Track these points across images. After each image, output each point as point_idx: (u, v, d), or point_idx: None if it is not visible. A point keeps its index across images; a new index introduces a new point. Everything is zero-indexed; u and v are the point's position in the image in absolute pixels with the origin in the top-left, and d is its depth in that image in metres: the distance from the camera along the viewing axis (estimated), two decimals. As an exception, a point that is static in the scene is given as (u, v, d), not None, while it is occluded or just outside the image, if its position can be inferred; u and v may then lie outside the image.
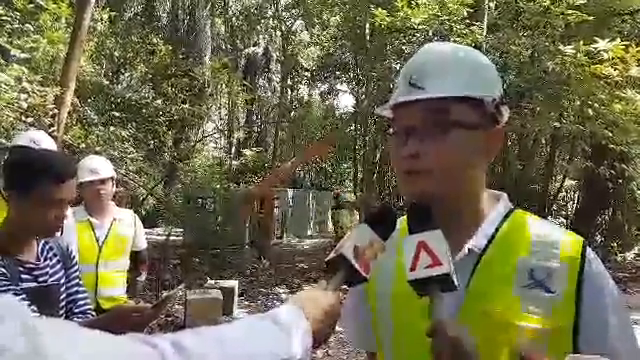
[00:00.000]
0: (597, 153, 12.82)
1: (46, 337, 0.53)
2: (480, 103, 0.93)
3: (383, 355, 1.07)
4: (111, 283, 3.20)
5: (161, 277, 8.00)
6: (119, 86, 13.07)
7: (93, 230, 3.17)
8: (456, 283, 0.84)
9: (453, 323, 0.84)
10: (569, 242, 0.94)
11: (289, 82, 22.68)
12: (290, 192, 17.61)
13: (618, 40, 7.43)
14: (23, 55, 7.44)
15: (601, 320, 0.89)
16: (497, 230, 0.96)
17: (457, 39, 8.40)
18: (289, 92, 23.49)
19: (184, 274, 8.78)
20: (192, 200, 13.68)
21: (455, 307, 0.91)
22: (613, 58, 7.52)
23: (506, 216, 0.99)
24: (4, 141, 6.17)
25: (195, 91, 14.84)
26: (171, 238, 10.42)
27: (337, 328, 0.88)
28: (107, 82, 11.44)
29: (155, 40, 15.09)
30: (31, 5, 7.73)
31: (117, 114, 11.41)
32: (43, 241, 1.71)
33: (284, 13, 19.66)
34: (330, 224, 17.56)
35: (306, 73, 22.77)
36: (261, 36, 22.49)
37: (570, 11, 8.04)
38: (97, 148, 8.00)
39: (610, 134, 8.77)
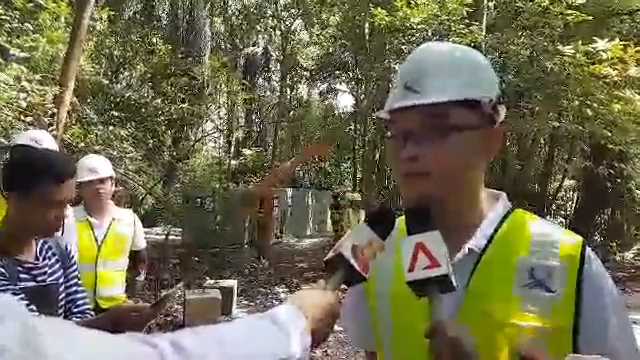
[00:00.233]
0: (596, 153, 12.84)
1: (46, 337, 0.53)
2: (478, 104, 0.92)
3: (383, 355, 1.07)
4: (110, 283, 3.20)
5: (160, 277, 7.99)
6: (118, 85, 13.07)
7: (92, 230, 3.17)
8: (454, 284, 0.84)
9: (453, 323, 0.84)
10: (569, 242, 0.94)
11: (288, 82, 22.68)
12: (289, 192, 17.60)
13: (617, 40, 7.45)
14: (22, 54, 7.44)
15: (601, 320, 0.89)
16: (497, 230, 0.96)
17: (456, 39, 8.41)
18: (288, 92, 23.49)
19: (183, 274, 8.78)
20: (191, 199, 13.67)
21: (455, 307, 0.91)
22: (612, 58, 7.53)
23: (505, 216, 0.99)
24: (3, 140, 6.16)
25: (194, 90, 14.84)
26: (170, 237, 10.41)
27: (336, 327, 0.88)
28: (106, 81, 11.43)
29: (154, 39, 15.10)
30: (30, 4, 7.72)
31: (116, 113, 11.41)
32: (42, 241, 1.71)
33: (283, 13, 19.66)
34: (329, 224, 17.55)
35: (305, 73, 22.77)
36: (260, 36, 22.47)
37: (569, 11, 8.05)
38: (96, 147, 7.98)
39: (609, 134, 8.79)
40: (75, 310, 1.76)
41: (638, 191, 14.46)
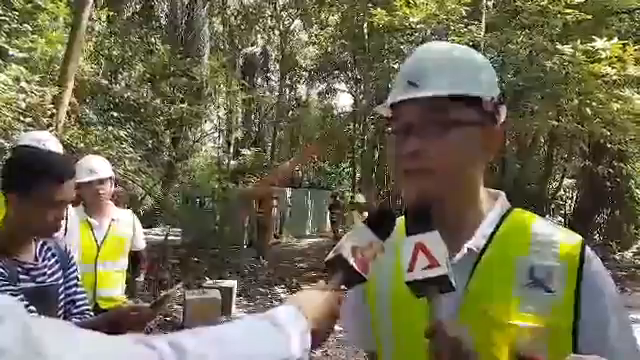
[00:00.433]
0: (595, 152, 12.87)
1: (46, 337, 0.53)
2: (479, 102, 0.93)
3: (383, 355, 1.07)
4: (110, 283, 3.20)
5: (159, 277, 7.99)
6: (117, 86, 13.03)
7: (92, 230, 3.17)
8: (454, 284, 0.84)
9: (452, 323, 0.84)
10: (568, 241, 0.94)
11: (287, 82, 22.67)
12: (289, 192, 17.60)
13: (616, 39, 7.46)
14: (21, 55, 7.43)
15: (600, 320, 0.89)
16: (496, 229, 0.96)
17: (455, 38, 8.42)
18: (287, 92, 23.48)
19: (182, 274, 8.77)
20: (190, 200, 13.68)
21: (455, 307, 0.91)
22: (611, 57, 7.54)
23: (505, 215, 0.99)
24: (2, 141, 6.16)
25: (193, 91, 14.83)
26: (169, 238, 10.40)
27: (336, 328, 0.88)
28: (105, 82, 11.40)
29: (153, 40, 15.08)
30: (29, 5, 7.72)
31: (115, 114, 11.39)
32: (41, 241, 1.71)
33: (282, 13, 19.66)
34: (329, 224, 17.54)
35: (304, 73, 22.76)
36: (259, 36, 22.46)
37: (568, 10, 8.06)
38: (95, 148, 7.97)
39: (608, 133, 8.80)
40: (75, 311, 1.76)
41: (637, 190, 14.48)
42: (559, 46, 7.99)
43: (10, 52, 7.26)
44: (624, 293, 7.86)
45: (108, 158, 4.22)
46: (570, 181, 16.67)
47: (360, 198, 12.53)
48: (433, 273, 0.83)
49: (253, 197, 12.83)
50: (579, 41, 7.65)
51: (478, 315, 0.90)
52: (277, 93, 21.87)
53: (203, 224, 11.27)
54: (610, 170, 12.81)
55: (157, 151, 14.34)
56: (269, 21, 20.78)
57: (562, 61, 8.23)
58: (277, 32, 20.43)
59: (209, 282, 7.62)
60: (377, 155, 18.61)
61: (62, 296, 1.71)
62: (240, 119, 22.71)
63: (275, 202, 14.42)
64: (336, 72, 21.32)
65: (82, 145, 7.77)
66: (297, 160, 17.15)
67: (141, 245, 3.56)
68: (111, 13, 11.25)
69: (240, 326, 0.78)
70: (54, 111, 6.70)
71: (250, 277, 9.54)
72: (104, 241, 3.19)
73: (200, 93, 15.82)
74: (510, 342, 0.88)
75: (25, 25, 7.68)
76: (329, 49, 19.30)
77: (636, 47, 7.42)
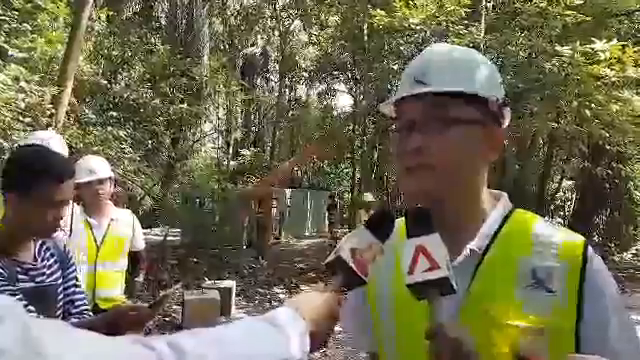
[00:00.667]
0: (594, 153, 12.87)
1: (46, 338, 0.53)
2: (482, 101, 0.94)
3: (385, 356, 1.07)
4: (109, 283, 3.20)
5: (159, 277, 8.00)
6: (117, 86, 13.00)
7: (91, 230, 3.17)
8: (455, 287, 0.84)
9: (453, 325, 0.84)
10: (570, 242, 0.94)
11: (287, 82, 22.66)
12: (288, 192, 17.60)
13: (615, 41, 7.46)
14: (21, 55, 7.42)
15: (602, 321, 0.89)
16: (498, 230, 0.97)
17: (455, 39, 8.42)
18: (287, 92, 23.48)
19: (182, 274, 8.77)
20: (190, 200, 13.67)
21: (456, 308, 0.91)
22: (610, 59, 7.54)
23: (507, 216, 0.99)
24: (1, 141, 6.15)
25: (193, 91, 14.81)
26: (169, 238, 10.40)
27: (335, 328, 0.88)
28: (105, 82, 11.37)
29: (153, 40, 15.06)
30: (29, 5, 7.71)
31: (115, 114, 11.38)
32: (40, 241, 1.71)
33: (282, 13, 19.65)
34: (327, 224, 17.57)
35: (304, 73, 22.75)
36: (259, 36, 22.45)
37: (567, 12, 8.07)
38: (95, 148, 7.96)
39: (607, 134, 8.81)
40: (74, 311, 1.76)
41: (636, 192, 14.50)
42: (558, 48, 7.99)
43: (10, 52, 7.25)
44: (624, 294, 7.85)
45: (107, 158, 4.22)
46: (569, 182, 16.69)
47: (367, 197, 12.49)
48: (434, 275, 0.83)
49: (252, 197, 12.83)
50: (578, 43, 7.65)
51: (479, 316, 0.90)
52: (277, 94, 21.86)
53: (202, 224, 11.26)
54: (609, 171, 12.81)
55: (156, 151, 14.33)
56: (269, 22, 20.78)
57: (561, 63, 8.24)
58: (277, 33, 20.42)
59: (208, 282, 7.62)
60: (376, 156, 18.62)
61: (61, 296, 1.71)
62: (240, 119, 22.72)
63: (274, 202, 14.43)
64: (336, 73, 21.30)
65: (81, 145, 7.76)
66: (296, 160, 17.13)
67: (140, 245, 3.56)
68: (111, 13, 11.22)
69: (239, 327, 0.78)
70: (53, 111, 6.69)
71: (249, 277, 9.53)
72: (103, 241, 3.18)
73: (200, 93, 15.79)
74: (511, 343, 0.88)
75: (25, 25, 7.67)
76: (329, 50, 19.28)
77: (635, 49, 7.43)
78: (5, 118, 6.42)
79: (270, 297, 8.24)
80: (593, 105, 8.27)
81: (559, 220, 15.89)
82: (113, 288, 3.23)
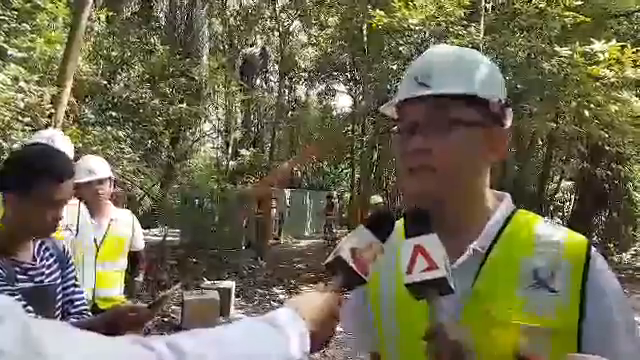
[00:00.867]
0: (594, 154, 12.88)
1: (45, 338, 0.53)
2: (484, 103, 0.94)
3: (387, 356, 1.07)
4: (109, 283, 3.20)
5: (158, 277, 7.99)
6: (116, 86, 12.99)
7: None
8: (453, 287, 0.84)
9: (452, 326, 0.84)
10: (573, 242, 0.94)
11: (286, 82, 22.64)
12: (287, 193, 17.60)
13: (614, 41, 7.46)
14: (20, 54, 7.40)
15: (605, 321, 0.88)
16: (501, 230, 0.97)
17: (454, 40, 8.42)
18: (286, 92, 23.46)
19: (181, 274, 8.77)
20: (189, 200, 13.65)
21: (459, 307, 0.92)
22: (609, 59, 7.54)
23: (509, 217, 0.99)
24: (1, 141, 6.15)
25: (192, 91, 14.81)
26: (168, 238, 10.39)
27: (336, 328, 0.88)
28: (104, 82, 11.36)
29: (152, 40, 15.05)
30: (28, 4, 7.70)
31: (114, 114, 11.37)
32: (39, 241, 1.71)
33: (282, 14, 19.62)
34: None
35: (303, 73, 22.75)
36: (258, 36, 22.43)
37: (566, 13, 8.07)
38: (94, 148, 7.96)
39: (606, 135, 8.81)
40: (73, 311, 1.76)
41: (635, 192, 14.51)
42: (557, 48, 7.99)
43: (9, 52, 7.24)
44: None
45: (106, 158, 4.22)
46: (568, 183, 16.70)
47: (376, 199, 12.44)
48: (431, 275, 0.83)
49: (252, 198, 12.82)
50: (577, 43, 7.65)
51: (482, 315, 0.90)
52: (276, 94, 21.82)
53: (202, 225, 11.26)
54: (608, 172, 12.82)
55: (156, 151, 14.33)
56: (268, 22, 20.74)
57: (560, 63, 8.24)
58: (276, 33, 20.37)
59: (207, 283, 7.61)
60: (376, 156, 18.62)
61: (60, 296, 1.71)
62: (239, 120, 22.70)
63: (274, 203, 14.41)
64: (335, 73, 21.31)
65: (80, 145, 7.76)
66: (296, 161, 17.13)
67: (140, 245, 3.56)
68: (110, 13, 11.21)
69: (239, 327, 0.78)
70: (53, 111, 6.68)
71: (249, 278, 9.53)
72: (103, 241, 3.19)
73: (199, 94, 15.79)
74: (513, 343, 0.88)
75: (24, 25, 7.66)
76: (328, 50, 19.28)
77: (634, 49, 7.43)
78: (4, 118, 6.41)
79: (269, 297, 8.24)
80: (592, 106, 8.27)
81: (558, 221, 15.89)
82: (113, 288, 3.23)
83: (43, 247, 1.71)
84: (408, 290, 0.86)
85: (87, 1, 7.20)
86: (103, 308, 2.88)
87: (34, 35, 7.93)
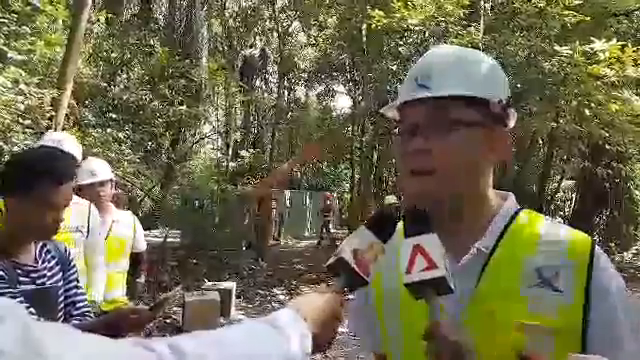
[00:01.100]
0: (594, 153, 12.87)
1: (46, 338, 0.53)
2: (485, 103, 0.94)
3: (390, 356, 1.07)
4: (111, 285, 3.20)
5: (159, 279, 7.99)
6: (116, 88, 13.03)
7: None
8: (452, 287, 0.84)
9: (452, 325, 0.84)
10: (577, 241, 0.94)
11: (286, 83, 22.66)
12: (287, 193, 17.61)
13: (614, 40, 7.46)
14: (20, 57, 7.41)
15: (609, 320, 0.88)
16: (505, 230, 0.97)
17: (454, 40, 8.43)
18: (286, 93, 23.48)
19: (182, 276, 8.77)
20: (189, 202, 13.66)
21: (462, 307, 0.91)
22: (609, 58, 7.54)
23: (513, 216, 0.99)
24: (1, 144, 6.15)
25: (192, 93, 14.81)
26: (168, 240, 10.39)
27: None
28: (104, 84, 11.39)
29: (152, 42, 15.07)
30: (28, 7, 7.71)
31: (114, 116, 11.39)
32: (41, 243, 1.71)
33: (281, 14, 19.64)
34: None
35: (303, 74, 22.77)
36: (258, 37, 22.45)
37: (566, 12, 8.07)
38: (94, 150, 7.96)
39: (607, 134, 8.81)
40: (75, 312, 1.75)
41: (636, 191, 14.50)
42: (557, 48, 7.99)
43: (9, 54, 7.25)
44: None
45: (107, 160, 4.23)
46: (569, 182, 16.69)
47: (390, 199, 12.34)
48: (431, 275, 0.83)
49: (252, 199, 12.82)
50: (577, 42, 7.65)
51: (486, 315, 0.90)
52: (276, 95, 21.84)
53: (202, 226, 11.25)
54: (609, 171, 12.81)
55: (156, 153, 14.35)
56: (267, 23, 20.76)
57: (561, 63, 8.24)
58: (275, 34, 20.39)
59: (208, 284, 7.61)
60: (376, 156, 18.63)
61: (62, 298, 1.71)
62: (239, 121, 22.72)
63: (274, 204, 14.41)
64: (335, 74, 21.34)
65: (81, 147, 7.75)
66: (296, 161, 17.12)
67: (142, 246, 3.57)
68: (110, 15, 11.23)
69: (240, 329, 0.78)
70: (53, 113, 6.69)
71: (249, 279, 9.53)
72: (105, 242, 3.18)
73: (199, 95, 15.79)
74: (517, 342, 0.88)
75: (24, 27, 7.66)
76: (328, 51, 19.31)
77: (635, 48, 7.43)
78: (4, 120, 6.41)
79: (270, 298, 8.24)
80: (593, 105, 8.27)
81: (559, 220, 15.88)
82: (115, 289, 3.24)
83: (45, 249, 1.72)
84: (407, 290, 0.86)
85: (86, 3, 7.22)
86: (106, 310, 2.88)
87: (34, 38, 7.94)
